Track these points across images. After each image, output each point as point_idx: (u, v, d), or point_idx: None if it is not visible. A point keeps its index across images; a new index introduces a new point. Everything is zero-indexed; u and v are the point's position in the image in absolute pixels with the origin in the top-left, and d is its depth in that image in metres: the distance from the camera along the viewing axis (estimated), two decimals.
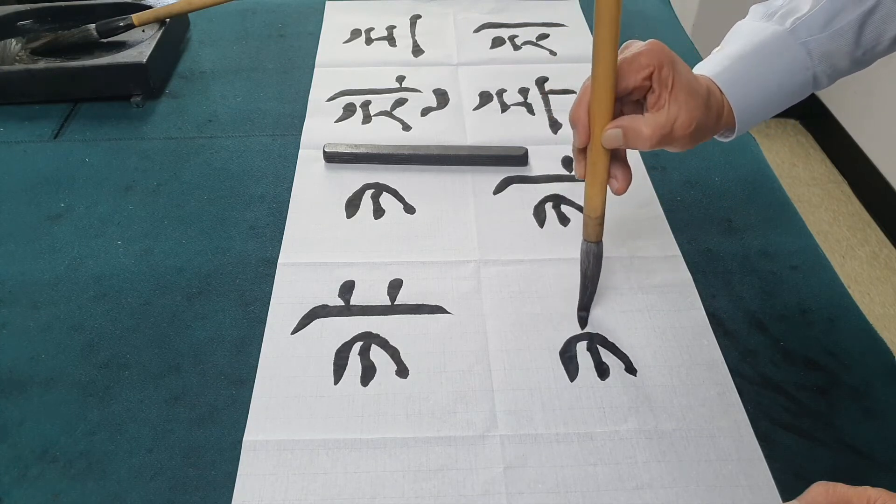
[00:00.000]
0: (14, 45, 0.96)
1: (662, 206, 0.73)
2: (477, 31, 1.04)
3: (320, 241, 0.69)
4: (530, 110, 0.87)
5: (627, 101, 0.55)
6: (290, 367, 0.58)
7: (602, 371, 0.58)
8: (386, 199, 0.75)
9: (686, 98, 0.53)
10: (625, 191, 0.56)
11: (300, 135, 0.83)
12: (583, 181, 0.57)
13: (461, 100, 0.89)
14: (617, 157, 0.56)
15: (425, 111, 0.87)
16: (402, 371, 0.58)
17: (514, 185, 0.76)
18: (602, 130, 0.53)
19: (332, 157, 0.79)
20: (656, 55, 0.52)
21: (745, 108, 0.57)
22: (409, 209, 0.73)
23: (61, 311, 0.63)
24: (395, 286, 0.65)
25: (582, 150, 0.56)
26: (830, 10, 0.57)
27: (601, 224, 0.58)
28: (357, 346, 0.60)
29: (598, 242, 0.59)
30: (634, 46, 0.53)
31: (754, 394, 0.56)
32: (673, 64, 0.52)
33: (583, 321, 0.62)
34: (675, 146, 0.55)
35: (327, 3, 1.11)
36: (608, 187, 0.56)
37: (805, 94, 0.60)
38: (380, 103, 0.88)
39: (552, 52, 0.98)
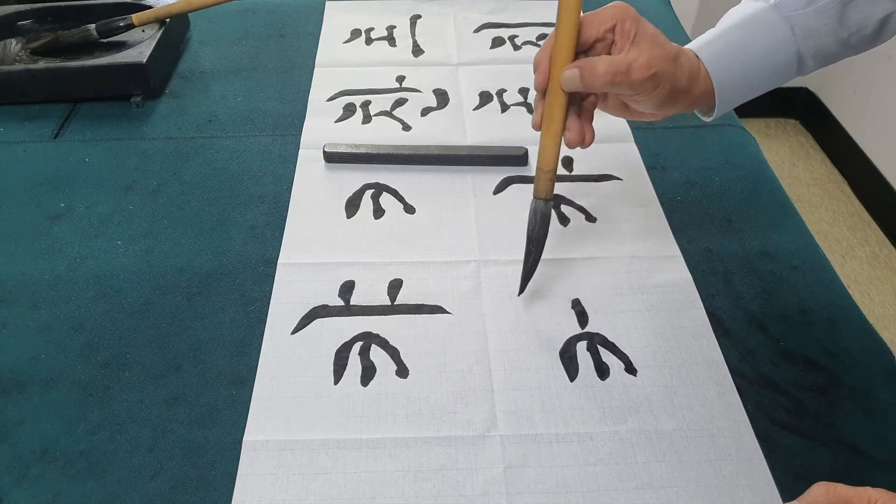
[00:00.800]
0: (14, 45, 0.96)
1: (662, 206, 0.73)
2: (477, 31, 1.04)
3: (320, 241, 0.69)
4: (530, 110, 0.87)
5: (592, 55, 0.55)
6: (290, 367, 0.58)
7: (602, 371, 0.58)
8: (386, 199, 0.75)
9: (649, 46, 0.53)
10: (575, 145, 0.56)
11: (300, 135, 0.83)
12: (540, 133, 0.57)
13: (461, 100, 0.89)
14: (579, 113, 0.56)
15: (425, 111, 0.87)
16: (402, 371, 0.58)
17: (514, 185, 0.76)
18: (561, 73, 0.54)
19: (332, 157, 0.79)
20: (621, 10, 0.54)
21: (725, 81, 0.57)
22: (409, 209, 0.73)
23: (61, 311, 0.63)
24: (395, 286, 0.65)
25: (543, 97, 0.56)
26: None
27: (553, 180, 0.57)
28: (357, 346, 0.60)
29: (549, 201, 0.58)
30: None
31: (754, 394, 0.56)
32: (637, 20, 0.54)
33: (521, 289, 0.61)
34: (640, 97, 0.55)
35: (327, 3, 1.11)
36: (562, 140, 0.56)
37: (790, 74, 0.59)
38: (380, 103, 0.88)
39: None
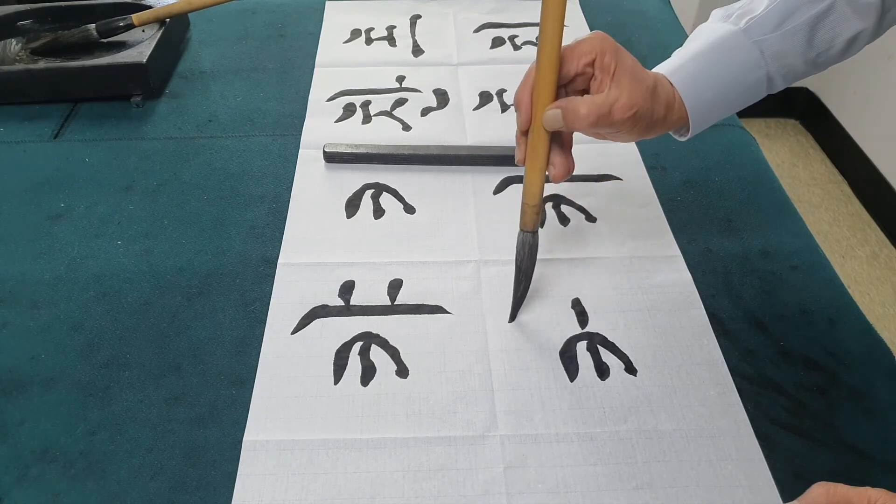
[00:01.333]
0: (14, 45, 0.96)
1: (662, 206, 0.73)
2: (477, 31, 1.04)
3: (320, 241, 0.69)
4: None
5: (572, 89, 0.55)
6: (290, 367, 0.58)
7: (602, 371, 0.58)
8: (386, 199, 0.75)
9: (629, 83, 0.53)
10: (561, 178, 0.56)
11: (300, 135, 0.83)
12: (523, 167, 0.57)
13: (461, 100, 0.89)
14: (561, 145, 0.56)
15: (425, 111, 0.87)
16: (402, 371, 0.58)
17: (514, 185, 0.76)
18: (543, 112, 0.54)
19: (332, 157, 0.79)
20: (599, 43, 0.53)
21: (697, 104, 0.58)
22: (409, 209, 0.73)
23: (61, 311, 0.63)
24: (395, 286, 0.65)
25: (524, 134, 0.56)
26: (783, 10, 0.58)
27: (538, 213, 0.58)
28: (357, 346, 0.60)
29: (535, 233, 0.59)
30: (581, 38, 0.54)
31: (754, 394, 0.56)
32: (616, 52, 0.53)
33: (512, 317, 0.62)
34: (619, 133, 0.56)
35: (327, 3, 1.11)
36: (547, 174, 0.56)
37: (760, 94, 0.60)
38: (380, 103, 0.88)
39: None
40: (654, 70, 0.59)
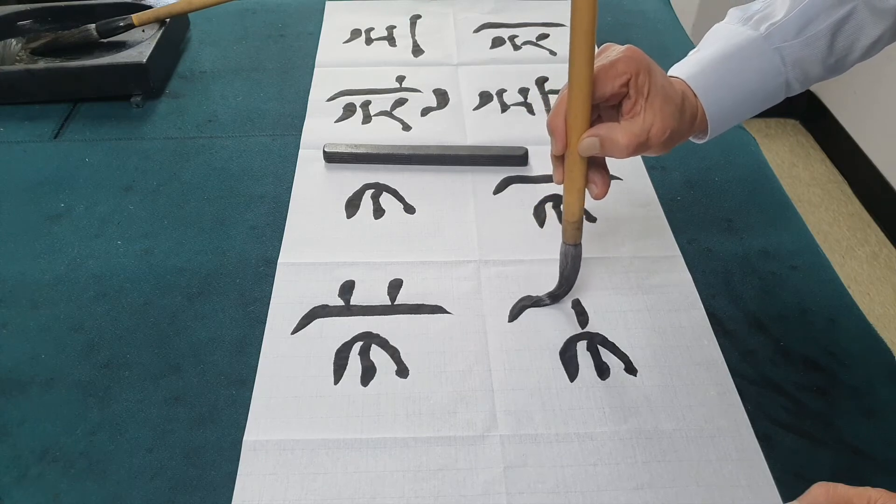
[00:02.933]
0: (14, 45, 0.96)
1: (662, 206, 0.73)
2: (477, 31, 1.04)
3: (320, 241, 0.69)
4: (530, 110, 0.87)
5: (604, 106, 0.55)
6: (290, 367, 0.58)
7: (602, 371, 0.58)
8: (386, 199, 0.75)
9: (661, 105, 0.53)
10: (604, 195, 0.56)
11: (300, 135, 0.83)
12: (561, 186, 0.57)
13: (461, 100, 0.89)
14: (595, 162, 0.56)
15: (425, 111, 0.87)
16: (402, 371, 0.58)
17: (514, 185, 0.76)
18: (579, 139, 0.53)
19: (332, 157, 0.79)
20: (634, 62, 0.52)
21: (717, 111, 0.58)
22: (409, 209, 0.73)
23: (61, 311, 0.63)
24: (395, 286, 0.65)
25: (559, 157, 0.56)
26: (804, 17, 0.58)
27: (579, 228, 0.59)
28: (357, 346, 0.60)
29: (577, 245, 0.60)
30: (612, 52, 0.53)
31: (754, 394, 0.56)
32: (649, 71, 0.53)
33: (544, 302, 0.63)
34: (650, 152, 0.56)
35: (327, 3, 1.11)
36: (587, 192, 0.57)
37: (777, 99, 0.61)
38: (380, 103, 0.88)
39: (552, 52, 0.98)
40: (671, 72, 0.59)
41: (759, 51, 0.58)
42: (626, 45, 0.54)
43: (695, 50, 0.61)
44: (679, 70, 0.59)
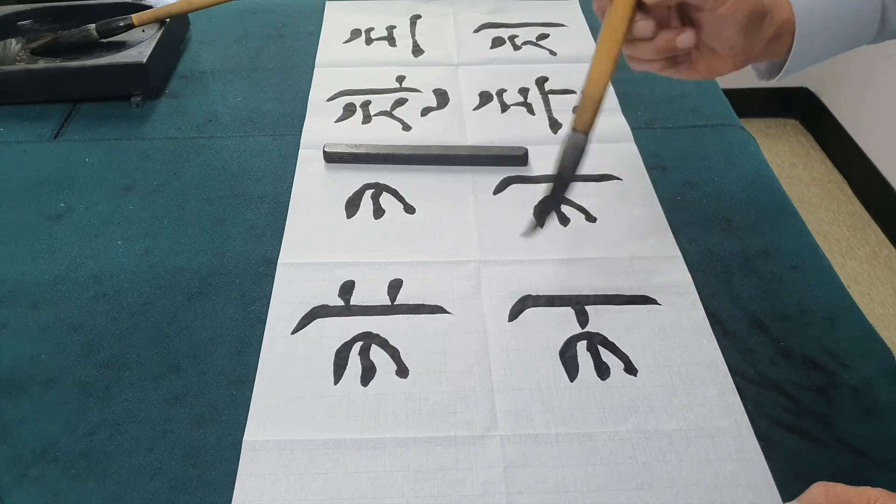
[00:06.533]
0: (14, 45, 0.96)
1: (662, 206, 0.73)
2: (477, 31, 1.04)
3: (320, 241, 0.69)
4: (530, 110, 0.87)
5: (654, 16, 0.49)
6: (290, 367, 0.58)
7: (602, 371, 0.58)
8: (386, 199, 0.75)
9: None
10: (691, 42, 0.49)
11: (300, 135, 0.83)
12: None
13: (461, 100, 0.89)
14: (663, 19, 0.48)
15: (425, 111, 0.87)
16: (402, 371, 0.58)
17: (514, 185, 0.76)
18: None
19: (332, 157, 0.79)
20: None
21: (807, 16, 0.53)
22: (409, 209, 0.73)
23: (61, 311, 0.63)
24: (395, 286, 0.65)
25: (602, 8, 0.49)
26: None
27: (597, 111, 0.50)
28: (357, 346, 0.60)
29: (587, 134, 0.51)
30: None
31: (754, 394, 0.56)
32: None
33: (541, 223, 0.55)
34: (723, 28, 0.49)
35: (327, 3, 1.11)
36: (680, 40, 0.49)
37: (871, 29, 0.55)
38: (380, 103, 0.88)
39: (552, 53, 0.98)
40: None
41: None
42: None
43: None
44: None
